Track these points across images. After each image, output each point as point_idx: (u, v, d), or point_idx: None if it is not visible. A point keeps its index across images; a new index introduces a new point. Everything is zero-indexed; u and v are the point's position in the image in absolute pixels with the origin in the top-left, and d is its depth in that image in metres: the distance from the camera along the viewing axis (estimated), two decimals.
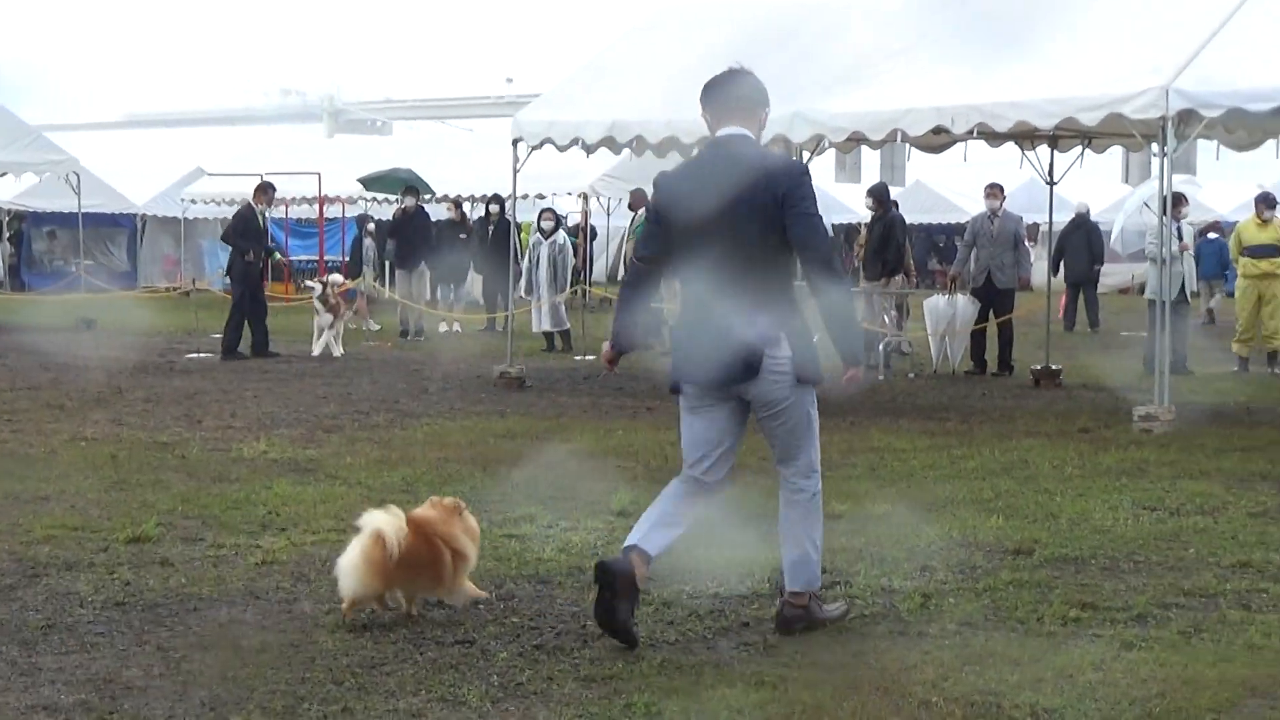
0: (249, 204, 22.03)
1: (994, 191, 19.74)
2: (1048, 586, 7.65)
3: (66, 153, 28.01)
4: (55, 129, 42.90)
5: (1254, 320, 19.84)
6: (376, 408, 15.29)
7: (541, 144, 17.11)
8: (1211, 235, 30.64)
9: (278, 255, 22.66)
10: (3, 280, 39.17)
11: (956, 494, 10.25)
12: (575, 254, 25.67)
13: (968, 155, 18.83)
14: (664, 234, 6.82)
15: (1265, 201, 20.27)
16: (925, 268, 40.11)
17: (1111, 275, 40.21)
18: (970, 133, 15.13)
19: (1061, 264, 28.23)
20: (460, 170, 32.02)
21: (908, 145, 15.51)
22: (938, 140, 16.65)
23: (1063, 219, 25.97)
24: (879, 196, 20.33)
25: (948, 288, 19.99)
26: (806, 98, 14.89)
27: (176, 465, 11.56)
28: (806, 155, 15.65)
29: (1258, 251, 19.91)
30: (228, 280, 23.95)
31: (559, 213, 25.43)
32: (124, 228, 40.24)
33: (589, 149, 17.16)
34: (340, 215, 34.75)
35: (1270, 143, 16.27)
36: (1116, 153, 18.57)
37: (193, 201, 36.95)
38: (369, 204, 34.18)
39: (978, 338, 19.47)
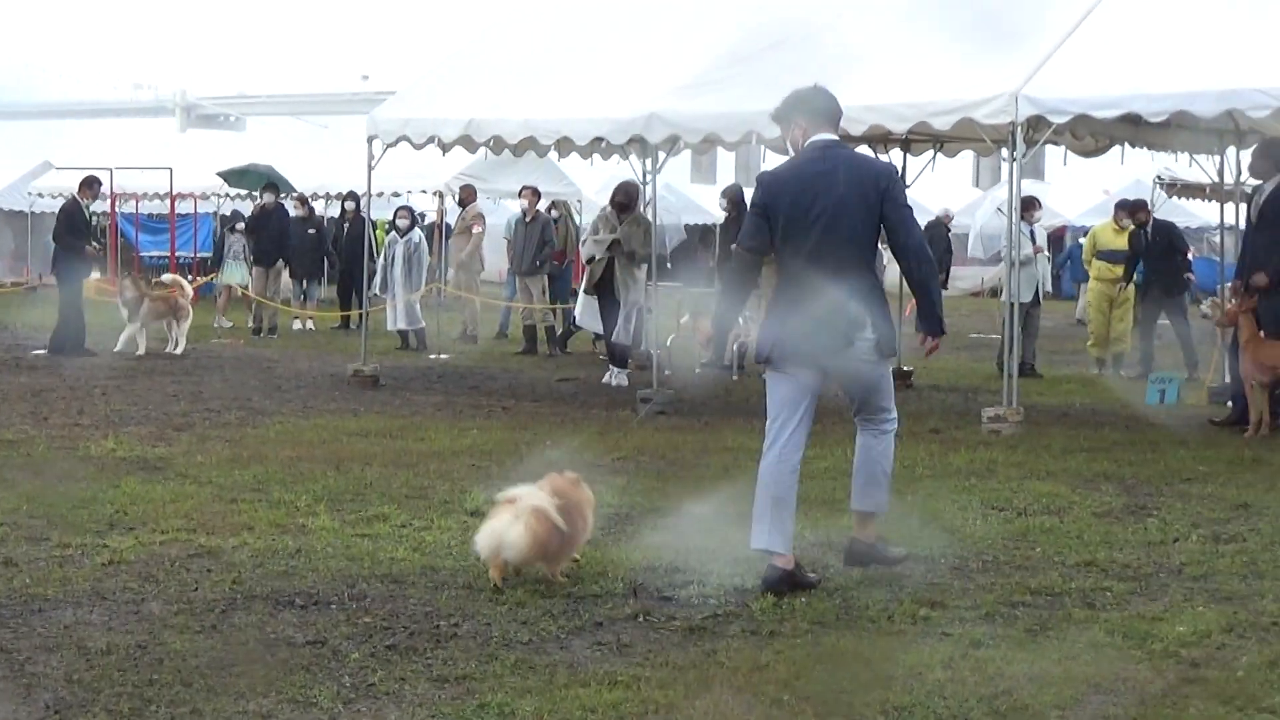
0: (75, 199, 21.14)
1: None
2: (898, 586, 7.73)
3: None
4: None
5: (1106, 323, 20.22)
6: (228, 405, 15.09)
7: (397, 141, 16.96)
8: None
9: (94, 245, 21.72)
10: None
11: (809, 493, 10.25)
12: (430, 251, 25.50)
13: None
14: (769, 227, 7.75)
15: (1125, 209, 20.62)
16: None
17: (962, 279, 40.83)
18: None
19: None
20: (315, 167, 31.80)
21: (763, 147, 15.57)
22: None
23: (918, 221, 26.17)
24: (733, 198, 20.44)
25: None
26: (665, 99, 14.96)
27: (21, 463, 11.33)
28: (662, 156, 15.70)
29: (1112, 256, 20.28)
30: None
31: (414, 210, 25.26)
32: None
33: (445, 147, 17.05)
34: (193, 211, 34.22)
35: (1115, 149, 16.62)
36: (968, 157, 18.82)
37: (40, 195, 36.22)
38: (222, 200, 33.72)
39: None
